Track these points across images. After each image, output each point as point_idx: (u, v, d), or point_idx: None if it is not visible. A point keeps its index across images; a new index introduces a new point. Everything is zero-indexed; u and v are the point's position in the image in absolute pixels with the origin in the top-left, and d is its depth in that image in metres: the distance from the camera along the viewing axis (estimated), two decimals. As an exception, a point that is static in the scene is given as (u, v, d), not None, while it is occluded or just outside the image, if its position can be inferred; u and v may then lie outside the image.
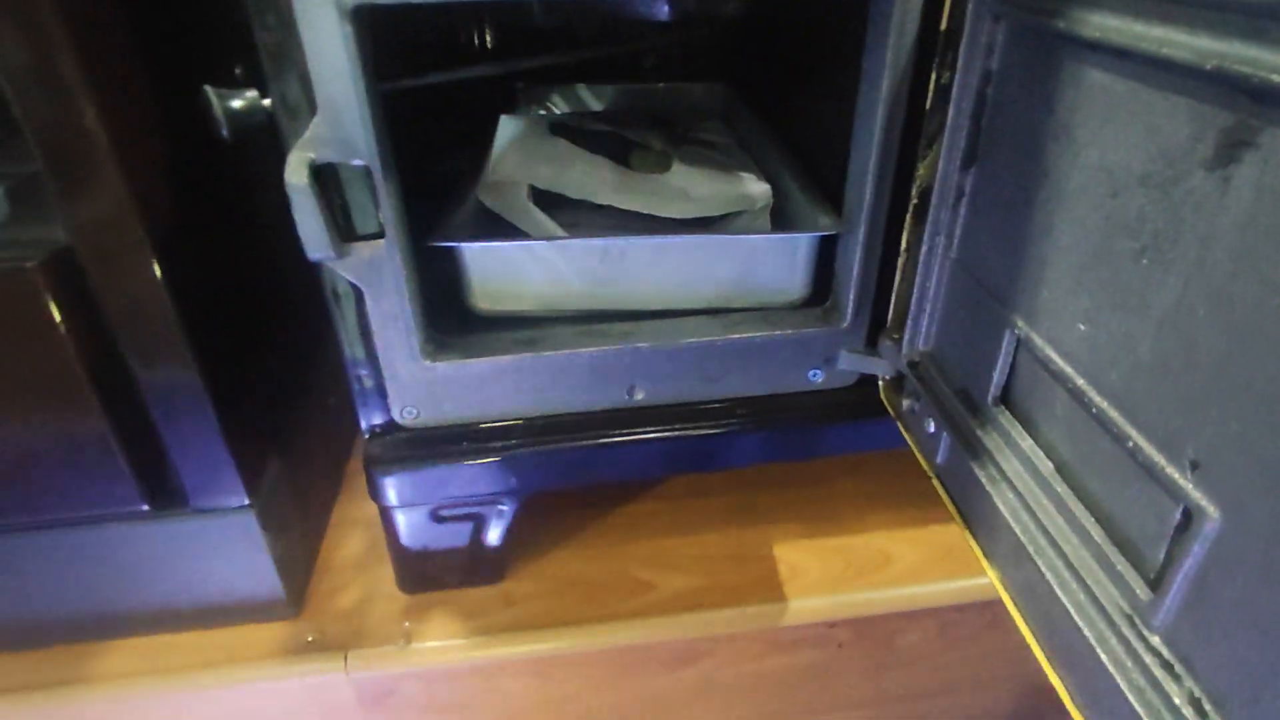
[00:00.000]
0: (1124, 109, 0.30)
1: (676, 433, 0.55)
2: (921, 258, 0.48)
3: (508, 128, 0.66)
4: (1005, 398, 0.41)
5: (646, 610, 0.57)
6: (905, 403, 0.52)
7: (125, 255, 0.42)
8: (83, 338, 0.43)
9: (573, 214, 0.60)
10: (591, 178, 0.58)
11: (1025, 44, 0.37)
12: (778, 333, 0.53)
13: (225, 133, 0.42)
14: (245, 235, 0.55)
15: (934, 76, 0.45)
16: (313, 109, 0.41)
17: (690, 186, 0.60)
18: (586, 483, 0.55)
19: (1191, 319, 0.27)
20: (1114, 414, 0.31)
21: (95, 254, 0.42)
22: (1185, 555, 0.28)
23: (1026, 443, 0.39)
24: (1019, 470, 0.39)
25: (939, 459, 0.47)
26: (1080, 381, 0.33)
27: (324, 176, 0.42)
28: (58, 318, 0.41)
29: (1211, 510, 0.26)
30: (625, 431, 0.55)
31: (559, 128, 0.65)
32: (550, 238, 0.51)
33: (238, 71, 0.50)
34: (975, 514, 0.42)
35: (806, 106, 0.69)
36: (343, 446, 0.71)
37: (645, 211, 0.57)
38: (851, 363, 0.55)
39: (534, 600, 0.57)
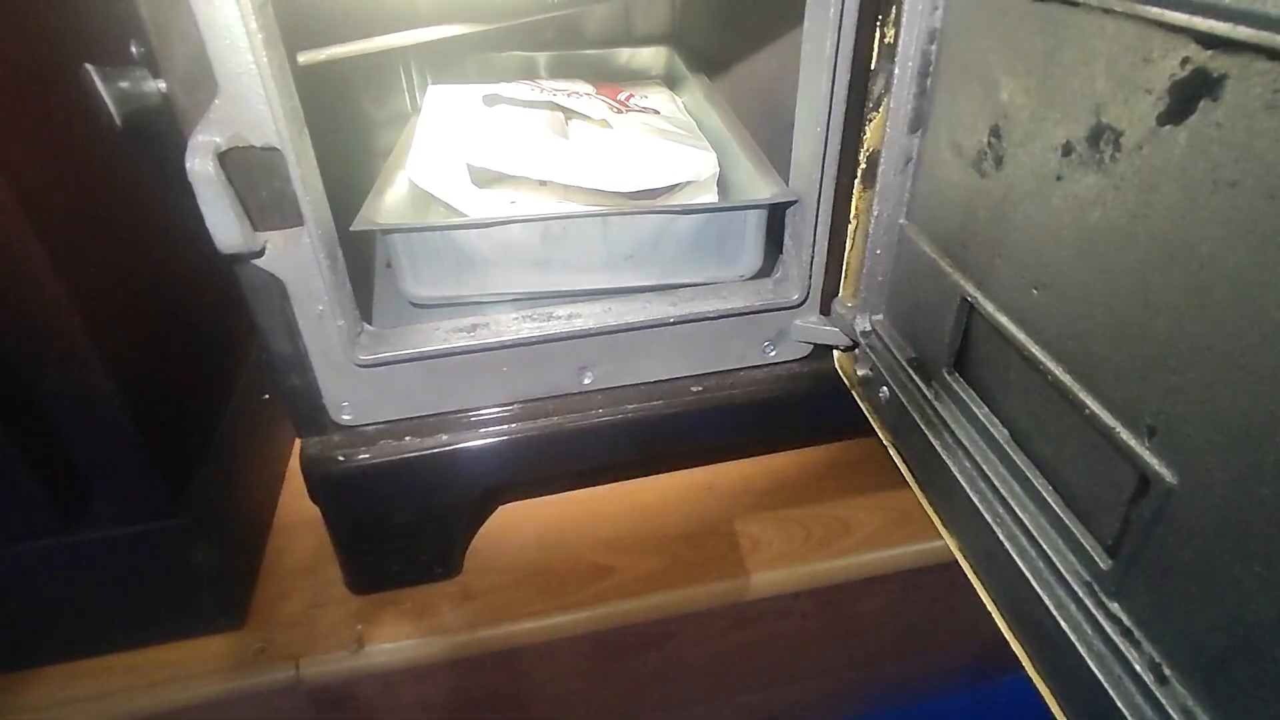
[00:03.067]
0: (1073, 61, 0.29)
1: (630, 415, 0.53)
2: (871, 224, 0.47)
3: (437, 99, 0.62)
4: (959, 365, 0.41)
5: (608, 595, 0.56)
6: (860, 371, 0.51)
7: (9, 262, 0.38)
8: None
9: (511, 189, 0.58)
10: (529, 152, 0.55)
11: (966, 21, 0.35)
12: (729, 307, 0.51)
13: (115, 119, 0.38)
14: (151, 224, 0.51)
15: (877, 34, 0.44)
16: (214, 87, 0.37)
17: (633, 157, 0.58)
18: (540, 474, 0.53)
19: (1147, 281, 0.26)
20: (1069, 381, 0.31)
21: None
22: (1142, 522, 0.27)
23: (982, 411, 0.38)
24: (975, 439, 0.38)
25: (894, 427, 0.46)
26: (1034, 349, 0.33)
27: (230, 162, 0.39)
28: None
29: (1169, 476, 0.26)
30: (577, 416, 0.53)
31: (493, 98, 0.62)
32: (488, 222, 0.49)
33: (133, 50, 0.46)
34: (933, 482, 0.42)
35: (751, 70, 0.67)
36: (281, 443, 0.67)
37: (587, 186, 0.55)
38: (805, 333, 0.54)
39: (493, 593, 0.56)
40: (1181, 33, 0.23)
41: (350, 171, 0.60)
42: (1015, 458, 0.35)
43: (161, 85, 0.39)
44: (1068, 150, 0.29)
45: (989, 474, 0.36)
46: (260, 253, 0.42)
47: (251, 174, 0.40)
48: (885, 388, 0.47)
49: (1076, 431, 0.31)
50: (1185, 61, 0.23)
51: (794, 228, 0.51)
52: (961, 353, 0.40)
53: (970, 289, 0.38)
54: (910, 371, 0.44)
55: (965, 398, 0.39)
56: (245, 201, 0.40)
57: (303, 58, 0.44)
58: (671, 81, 0.82)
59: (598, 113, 0.63)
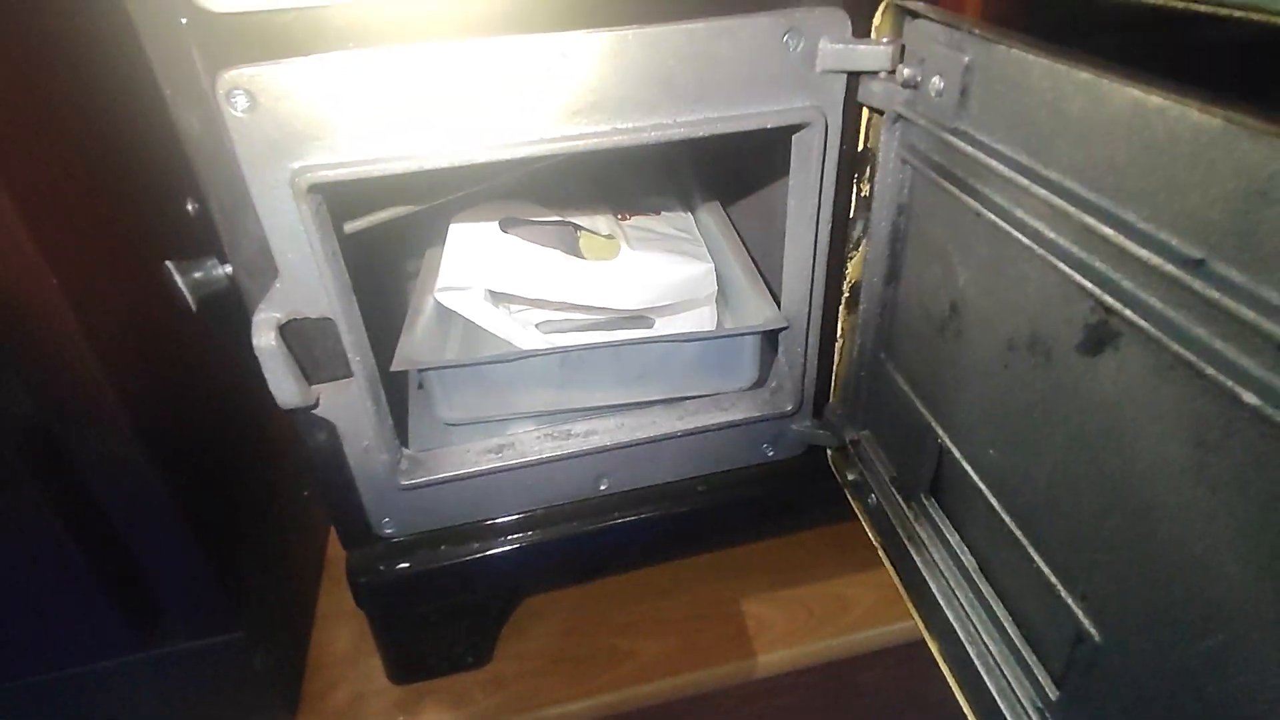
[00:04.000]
0: (1013, 278, 0.34)
1: (643, 515, 0.59)
2: (855, 351, 0.53)
3: (459, 229, 0.68)
4: (935, 491, 0.46)
5: (627, 679, 0.61)
6: (850, 476, 0.56)
7: (98, 425, 0.43)
8: (62, 499, 0.44)
9: (528, 304, 0.63)
10: (544, 275, 0.60)
11: (930, 192, 0.41)
12: (730, 419, 0.57)
13: (191, 304, 0.43)
14: (214, 372, 0.56)
15: (854, 189, 0.49)
16: (274, 271, 0.43)
17: (640, 273, 0.63)
18: (562, 575, 0.58)
19: (1074, 474, 0.31)
20: (1020, 535, 0.36)
21: (69, 426, 0.43)
22: (1081, 665, 0.33)
23: (954, 538, 0.43)
24: (949, 561, 0.43)
25: (882, 531, 0.51)
26: (992, 499, 0.38)
27: (289, 332, 0.44)
28: (38, 493, 0.43)
29: (1097, 635, 0.31)
30: (595, 519, 0.58)
31: (508, 220, 0.68)
32: (512, 356, 0.54)
33: (189, 208, 0.52)
34: (915, 589, 0.47)
35: (748, 202, 0.72)
36: (319, 535, 0.73)
37: (599, 305, 0.61)
38: (800, 436, 0.59)
39: (522, 680, 0.61)
40: (1088, 293, 0.28)
41: (386, 298, 0.66)
42: (981, 586, 0.40)
43: (228, 269, 0.44)
44: (1012, 345, 0.35)
45: (959, 597, 0.41)
46: (315, 405, 0.47)
47: (307, 340, 0.45)
48: (873, 495, 0.52)
49: (1029, 576, 0.36)
50: (1094, 309, 0.29)
51: (787, 346, 0.56)
52: (936, 480, 0.45)
53: (940, 431, 0.43)
54: (893, 489, 0.49)
55: (940, 523, 0.44)
56: (302, 363, 0.46)
57: (348, 227, 0.50)
58: (675, 187, 0.86)
59: (605, 226, 0.69)
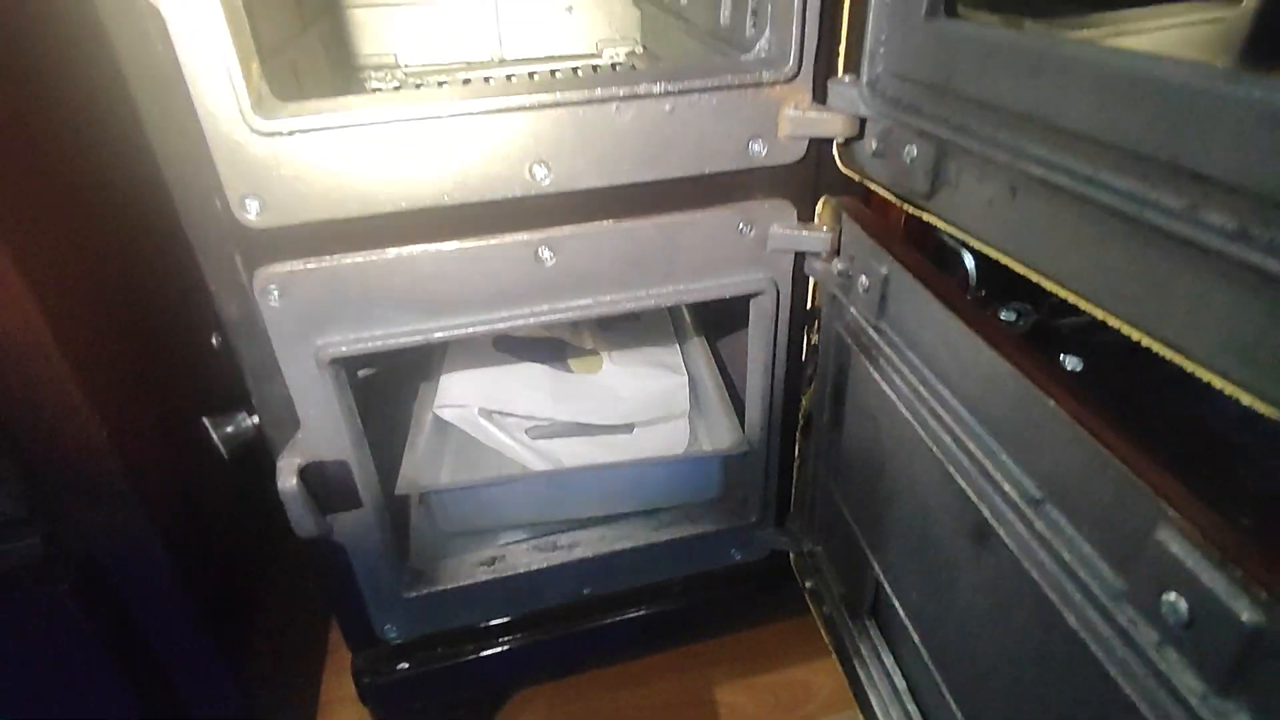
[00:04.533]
0: (922, 463, 0.41)
1: (622, 617, 0.65)
2: (809, 472, 0.59)
3: (456, 350, 0.74)
4: (875, 613, 0.52)
5: (608, 766, 0.66)
6: (808, 582, 0.63)
7: (145, 566, 0.49)
8: (107, 628, 0.50)
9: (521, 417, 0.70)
10: (533, 393, 0.67)
11: (860, 364, 0.48)
12: (699, 530, 0.63)
13: (224, 454, 0.50)
14: (239, 493, 0.62)
15: (805, 338, 0.56)
16: (296, 423, 0.50)
17: (620, 388, 0.70)
18: (549, 671, 0.64)
19: (970, 633, 0.38)
20: (938, 677, 0.42)
21: (117, 565, 0.49)
22: (983, 792, 0.39)
23: (889, 660, 0.49)
24: (884, 679, 0.50)
25: (833, 640, 0.57)
26: (916, 638, 0.44)
27: (308, 473, 0.50)
28: (84, 623, 0.49)
29: (992, 771, 0.37)
30: (579, 620, 0.64)
31: (502, 340, 0.74)
32: (506, 480, 0.61)
33: (214, 342, 0.58)
34: (860, 697, 0.53)
35: (730, 335, 0.78)
36: (323, 625, 0.78)
37: (582, 420, 0.67)
38: (764, 542, 0.66)
39: (510, 767, 0.66)
40: (969, 497, 0.35)
41: (390, 414, 0.72)
42: (909, 708, 0.46)
43: (255, 420, 0.51)
44: (926, 513, 0.41)
45: (893, 714, 0.48)
46: (329, 532, 0.53)
47: (324, 479, 0.51)
48: (826, 606, 0.58)
49: (944, 708, 0.42)
50: (975, 510, 0.35)
51: (750, 465, 0.63)
52: (876, 604, 0.52)
53: (876, 565, 0.49)
54: (841, 605, 0.56)
55: (878, 644, 0.51)
56: (318, 498, 0.52)
57: (361, 373, 0.57)
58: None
59: (590, 340, 0.76)
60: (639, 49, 0.93)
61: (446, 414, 0.67)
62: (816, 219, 0.51)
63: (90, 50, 0.46)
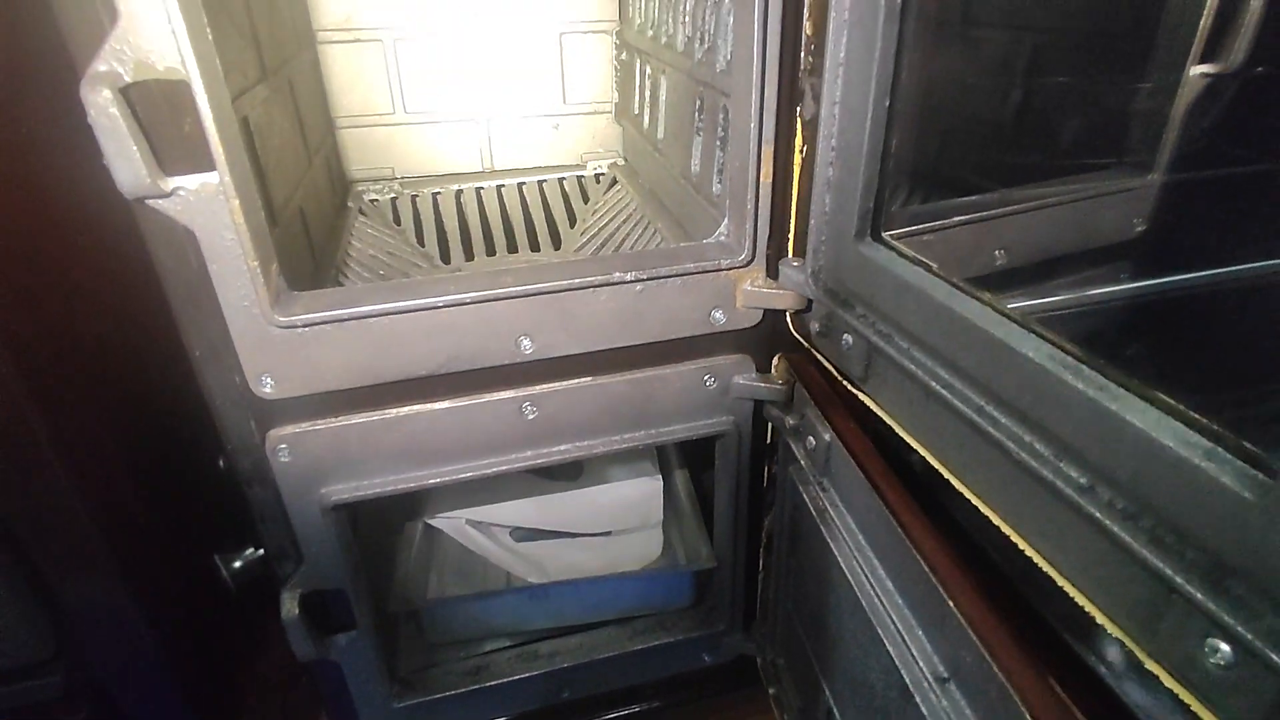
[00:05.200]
0: (859, 621, 0.46)
1: (601, 718, 0.69)
2: (773, 588, 0.64)
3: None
4: (829, 730, 0.57)
5: None
6: (772, 689, 0.67)
7: (152, 696, 0.53)
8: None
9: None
10: (518, 502, 0.72)
11: (809, 507, 0.53)
12: (672, 637, 0.68)
13: (231, 586, 0.54)
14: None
15: (766, 469, 0.62)
16: (300, 558, 0.54)
17: (599, 495, 0.75)
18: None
19: (901, 775, 0.43)
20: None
21: (128, 695, 0.53)
22: None
23: (840, 778, 0.54)
24: (837, 795, 0.54)
25: (795, 748, 0.62)
26: (859, 764, 0.49)
27: (309, 603, 0.55)
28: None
29: None
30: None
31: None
32: (489, 593, 0.65)
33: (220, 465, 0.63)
34: (818, 806, 0.57)
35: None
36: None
37: (563, 529, 0.72)
38: (732, 647, 0.70)
39: None
40: (896, 667, 0.40)
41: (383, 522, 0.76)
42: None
43: (261, 552, 0.55)
44: (865, 656, 0.46)
45: (844, 832, 0.52)
46: (328, 654, 0.58)
47: (324, 605, 0.56)
48: (788, 715, 0.63)
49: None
50: (898, 675, 0.41)
51: (718, 578, 0.68)
52: (829, 721, 0.56)
53: (828, 692, 0.54)
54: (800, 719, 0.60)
55: (831, 761, 0.55)
56: (318, 622, 0.56)
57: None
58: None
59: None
60: (620, 160, 1.00)
61: (438, 523, 0.72)
62: (774, 370, 0.57)
63: (126, 253, 0.51)
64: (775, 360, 0.56)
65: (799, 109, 0.47)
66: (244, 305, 0.44)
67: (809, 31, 0.45)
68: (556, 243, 0.86)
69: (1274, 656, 0.23)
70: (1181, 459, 0.26)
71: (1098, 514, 0.29)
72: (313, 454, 0.50)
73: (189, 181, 0.40)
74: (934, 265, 0.39)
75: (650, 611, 0.70)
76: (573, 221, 0.91)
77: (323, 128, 0.86)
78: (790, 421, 0.53)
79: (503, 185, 0.97)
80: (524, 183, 0.98)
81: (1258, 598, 0.24)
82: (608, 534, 0.77)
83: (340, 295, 0.47)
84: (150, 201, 0.40)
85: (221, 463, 0.59)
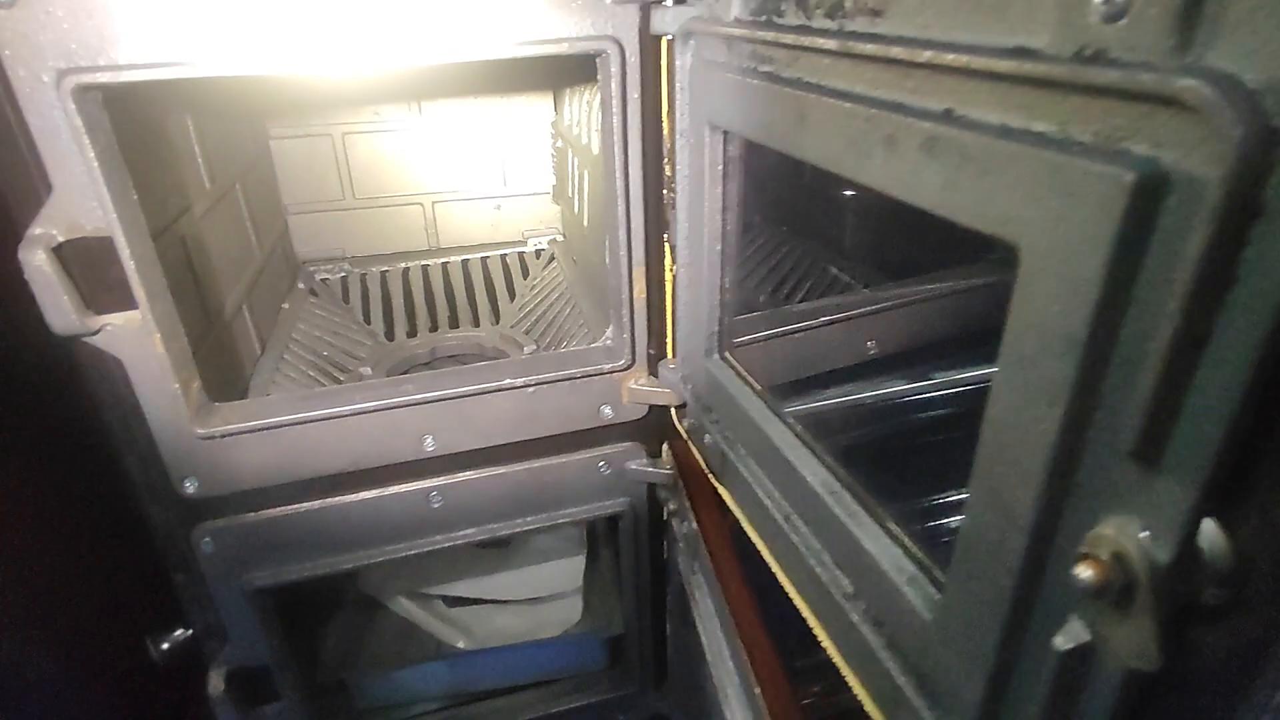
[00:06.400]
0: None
1: (519, 778, 0.73)
2: (675, 654, 0.69)
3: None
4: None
5: None
6: (680, 747, 0.72)
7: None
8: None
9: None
10: (450, 571, 0.77)
11: (689, 598, 0.58)
12: (590, 699, 0.73)
13: (159, 661, 0.59)
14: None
15: (665, 540, 0.67)
16: (226, 638, 0.59)
17: (525, 564, 0.81)
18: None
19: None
20: None
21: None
22: None
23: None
24: None
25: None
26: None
27: (235, 679, 0.60)
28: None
29: None
30: (481, 783, 0.72)
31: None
32: (409, 663, 0.70)
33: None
34: None
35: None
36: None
37: (491, 598, 0.77)
38: (646, 705, 0.75)
39: None
40: None
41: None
42: None
43: (190, 631, 0.60)
44: (727, 727, 0.52)
45: None
46: (253, 726, 0.62)
47: (251, 680, 0.61)
48: (690, 772, 0.68)
49: None
50: None
51: (628, 643, 0.73)
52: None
53: (712, 752, 0.59)
54: (697, 777, 0.65)
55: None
56: (244, 697, 0.61)
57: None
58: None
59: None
60: (559, 237, 1.07)
61: (371, 591, 0.76)
62: (664, 456, 0.63)
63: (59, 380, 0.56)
64: (664, 447, 0.62)
65: (665, 235, 0.54)
66: (168, 420, 0.49)
67: (668, 173, 0.52)
68: (496, 317, 0.92)
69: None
70: (895, 584, 0.31)
71: (855, 619, 0.35)
72: (235, 544, 0.55)
73: (115, 319, 0.46)
74: (757, 385, 0.45)
75: (569, 674, 0.75)
76: (512, 296, 0.97)
77: (274, 215, 0.93)
78: (672, 506, 0.59)
79: (448, 262, 1.03)
80: (468, 259, 1.04)
81: (950, 699, 0.30)
82: (534, 600, 0.82)
83: (256, 406, 0.52)
84: (82, 337, 0.46)
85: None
